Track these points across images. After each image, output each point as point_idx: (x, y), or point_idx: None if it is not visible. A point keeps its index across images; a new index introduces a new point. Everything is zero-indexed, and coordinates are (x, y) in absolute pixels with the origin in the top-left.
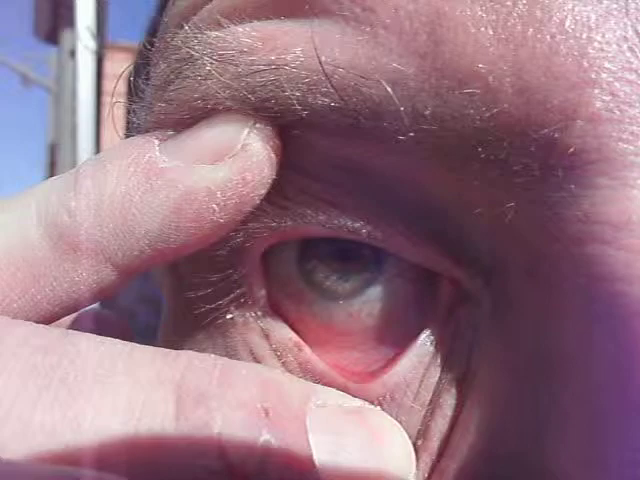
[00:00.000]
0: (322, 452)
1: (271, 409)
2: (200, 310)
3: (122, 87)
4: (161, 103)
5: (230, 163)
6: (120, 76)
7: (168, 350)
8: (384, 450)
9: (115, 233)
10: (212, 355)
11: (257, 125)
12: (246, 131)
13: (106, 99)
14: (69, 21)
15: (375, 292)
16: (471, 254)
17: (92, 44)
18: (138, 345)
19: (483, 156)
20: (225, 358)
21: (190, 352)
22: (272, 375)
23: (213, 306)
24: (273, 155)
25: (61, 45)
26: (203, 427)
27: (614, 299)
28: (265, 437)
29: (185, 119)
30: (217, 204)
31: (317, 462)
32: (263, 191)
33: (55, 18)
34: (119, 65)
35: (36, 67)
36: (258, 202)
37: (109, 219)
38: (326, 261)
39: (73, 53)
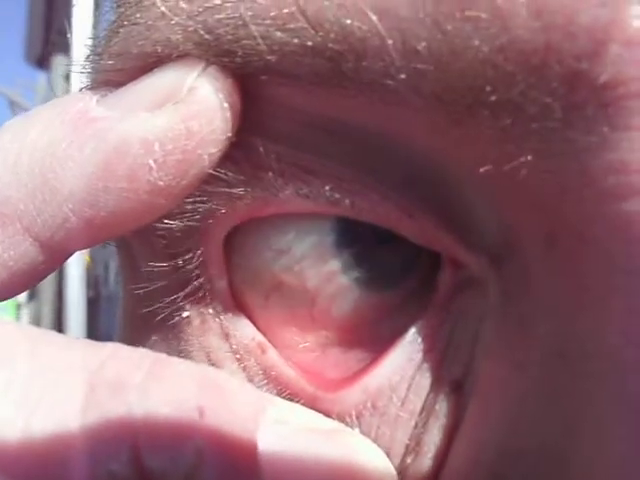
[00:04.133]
0: (275, 475)
1: (208, 409)
2: (153, 307)
3: None
4: (107, 58)
5: (172, 109)
6: None
7: (94, 342)
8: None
9: (34, 194)
10: (147, 350)
11: (210, 69)
12: (195, 74)
13: None
14: (61, 47)
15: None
16: (477, 228)
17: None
18: (58, 333)
19: (493, 99)
20: (164, 354)
21: (120, 344)
22: (219, 376)
23: (167, 302)
24: (227, 105)
25: (52, 70)
26: (115, 422)
27: None
28: (196, 443)
29: (136, 74)
30: (155, 160)
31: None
32: (214, 149)
33: (47, 44)
34: None
35: (23, 93)
36: (207, 164)
37: (28, 177)
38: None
39: (67, 77)
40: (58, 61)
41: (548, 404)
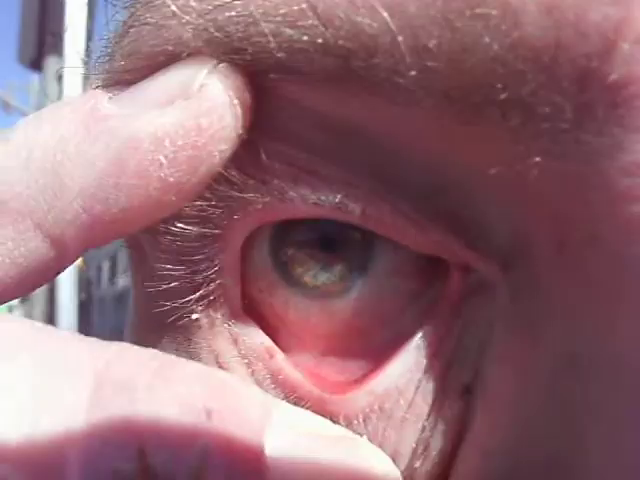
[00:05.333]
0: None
1: (216, 412)
2: (163, 308)
3: None
4: (118, 58)
5: (183, 106)
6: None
7: (100, 340)
8: None
9: (45, 190)
10: (155, 350)
11: (220, 66)
12: (205, 71)
13: None
14: (54, 48)
15: (364, 285)
16: (486, 233)
17: (81, 70)
18: (63, 331)
19: (503, 97)
20: (172, 356)
21: (128, 344)
22: (227, 378)
23: (178, 304)
24: (238, 102)
25: (45, 71)
26: (121, 421)
27: None
28: (202, 444)
29: (147, 73)
30: (165, 156)
31: None
32: (225, 146)
33: (40, 45)
34: None
35: (16, 94)
36: (218, 161)
37: (39, 173)
38: (305, 249)
39: (60, 78)
40: (51, 62)
41: (557, 411)
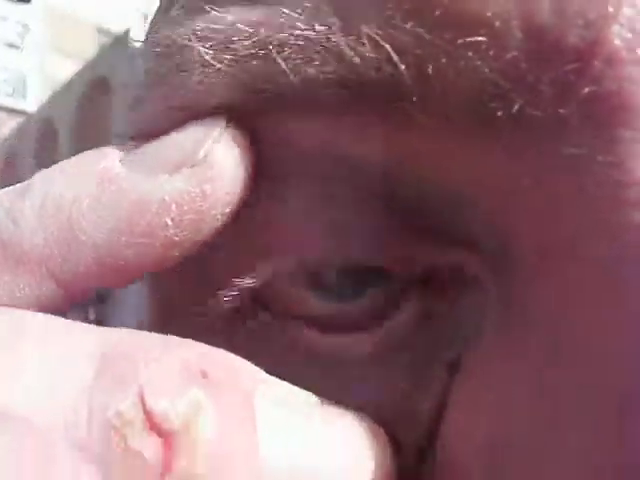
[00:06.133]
0: (270, 440)
1: (210, 373)
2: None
3: None
4: (148, 104)
5: (189, 173)
6: None
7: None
8: (357, 456)
9: (60, 243)
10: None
11: (225, 133)
12: (210, 140)
13: None
14: None
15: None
16: (478, 237)
17: None
18: (71, 321)
19: (495, 116)
20: (175, 337)
21: (133, 330)
22: (223, 351)
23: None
24: (241, 169)
25: None
26: (123, 378)
27: None
28: (195, 393)
29: (174, 118)
30: (171, 218)
31: (261, 446)
32: (227, 209)
33: None
34: None
35: None
36: (220, 223)
37: (54, 226)
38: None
39: None
40: None
41: (539, 400)
